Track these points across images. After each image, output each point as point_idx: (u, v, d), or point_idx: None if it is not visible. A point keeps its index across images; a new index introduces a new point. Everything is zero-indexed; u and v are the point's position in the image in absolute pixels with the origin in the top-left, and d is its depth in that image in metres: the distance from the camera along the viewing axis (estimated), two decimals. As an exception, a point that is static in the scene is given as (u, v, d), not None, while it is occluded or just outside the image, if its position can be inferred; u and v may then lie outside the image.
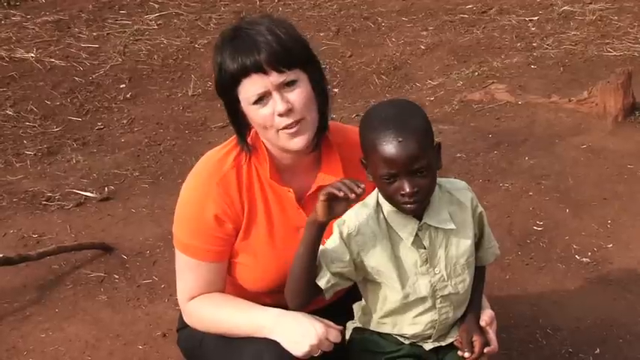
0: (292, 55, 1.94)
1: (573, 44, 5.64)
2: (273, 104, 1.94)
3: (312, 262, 1.94)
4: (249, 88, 1.94)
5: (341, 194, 1.83)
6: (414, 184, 1.87)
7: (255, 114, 1.97)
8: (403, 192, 1.88)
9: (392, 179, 1.88)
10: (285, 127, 1.95)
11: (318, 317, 2.00)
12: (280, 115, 1.94)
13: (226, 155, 2.08)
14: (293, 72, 1.95)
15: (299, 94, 1.95)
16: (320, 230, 1.91)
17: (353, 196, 1.83)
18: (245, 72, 1.93)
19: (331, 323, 2.00)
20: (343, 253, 1.97)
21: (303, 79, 1.97)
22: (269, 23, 1.97)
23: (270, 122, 1.96)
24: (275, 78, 1.93)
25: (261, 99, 1.94)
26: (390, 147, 1.85)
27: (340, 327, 2.03)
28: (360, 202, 1.98)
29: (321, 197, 1.85)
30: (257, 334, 2.02)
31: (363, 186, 1.85)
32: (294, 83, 1.95)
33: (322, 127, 2.05)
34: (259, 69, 1.92)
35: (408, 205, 1.90)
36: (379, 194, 1.99)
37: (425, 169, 1.87)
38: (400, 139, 1.85)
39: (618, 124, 4.44)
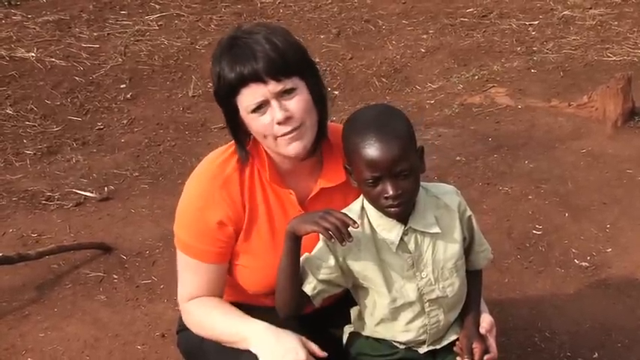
0: (290, 63, 1.94)
1: (573, 49, 5.65)
2: (272, 112, 1.95)
3: (295, 271, 1.96)
4: (248, 97, 1.95)
5: (332, 241, 1.89)
6: (397, 186, 1.89)
7: (254, 122, 1.98)
8: (387, 195, 1.89)
9: (376, 182, 1.90)
10: (284, 135, 1.96)
11: (306, 340, 1.99)
12: (279, 123, 1.94)
13: (229, 158, 2.08)
14: (291, 80, 1.95)
15: (297, 102, 1.96)
16: (298, 241, 1.94)
17: (344, 244, 1.88)
18: (243, 81, 1.93)
19: (316, 349, 1.99)
20: (328, 258, 1.98)
21: (301, 87, 1.97)
22: (265, 32, 1.97)
23: (269, 130, 1.96)
24: (273, 87, 1.93)
25: (260, 107, 1.95)
26: (372, 150, 1.87)
27: (325, 354, 2.00)
28: (346, 208, 2.01)
29: (309, 229, 1.89)
30: (239, 345, 2.03)
31: (356, 225, 1.89)
32: (293, 91, 1.95)
33: (322, 134, 2.05)
34: (257, 78, 1.92)
35: (393, 209, 1.92)
36: (364, 199, 2.01)
37: (408, 172, 1.89)
38: (382, 142, 1.87)
39: (618, 128, 4.45)
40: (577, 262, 3.39)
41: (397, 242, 1.98)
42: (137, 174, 4.35)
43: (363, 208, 2.01)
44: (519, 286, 3.25)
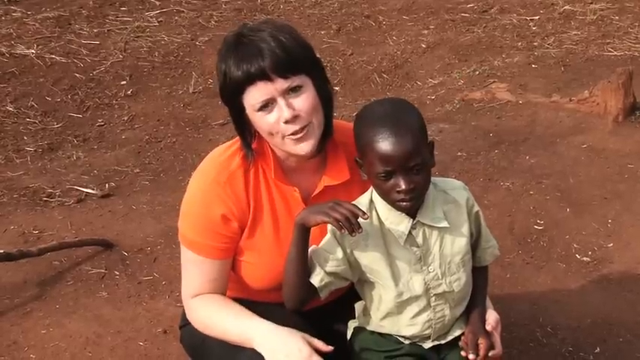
0: (296, 60, 1.94)
1: (574, 44, 5.64)
2: (278, 111, 1.94)
3: (303, 263, 1.96)
4: (254, 95, 1.94)
5: (343, 232, 1.88)
6: (409, 180, 1.89)
7: (261, 121, 1.97)
8: (399, 189, 1.89)
9: (388, 176, 1.90)
10: (292, 134, 1.95)
11: (310, 337, 2.00)
12: (286, 122, 1.94)
13: (234, 154, 2.08)
14: (298, 78, 1.94)
15: (304, 100, 1.95)
16: (307, 232, 1.94)
17: (354, 235, 1.88)
18: (250, 79, 1.92)
19: (321, 345, 1.99)
20: (336, 250, 1.98)
21: (307, 84, 1.97)
22: (272, 29, 1.96)
23: (276, 129, 1.96)
24: (280, 84, 1.92)
25: (266, 105, 1.94)
26: (386, 144, 1.87)
27: (331, 348, 2.01)
28: (354, 201, 2.00)
29: (319, 220, 1.89)
30: (244, 344, 2.03)
31: (366, 216, 1.89)
32: (299, 89, 1.95)
33: (328, 131, 2.05)
34: (264, 76, 1.92)
35: (404, 203, 1.92)
36: (373, 192, 2.01)
37: (420, 166, 1.90)
38: (396, 137, 1.87)
39: (619, 123, 4.44)
40: (578, 257, 3.39)
41: (406, 235, 1.98)
42: (138, 170, 4.35)
43: (371, 201, 2.01)
44: (521, 282, 3.25)
